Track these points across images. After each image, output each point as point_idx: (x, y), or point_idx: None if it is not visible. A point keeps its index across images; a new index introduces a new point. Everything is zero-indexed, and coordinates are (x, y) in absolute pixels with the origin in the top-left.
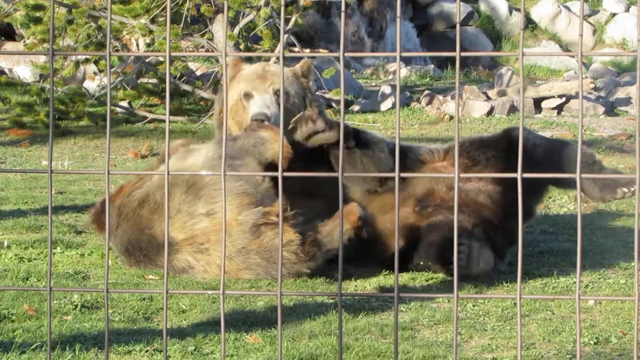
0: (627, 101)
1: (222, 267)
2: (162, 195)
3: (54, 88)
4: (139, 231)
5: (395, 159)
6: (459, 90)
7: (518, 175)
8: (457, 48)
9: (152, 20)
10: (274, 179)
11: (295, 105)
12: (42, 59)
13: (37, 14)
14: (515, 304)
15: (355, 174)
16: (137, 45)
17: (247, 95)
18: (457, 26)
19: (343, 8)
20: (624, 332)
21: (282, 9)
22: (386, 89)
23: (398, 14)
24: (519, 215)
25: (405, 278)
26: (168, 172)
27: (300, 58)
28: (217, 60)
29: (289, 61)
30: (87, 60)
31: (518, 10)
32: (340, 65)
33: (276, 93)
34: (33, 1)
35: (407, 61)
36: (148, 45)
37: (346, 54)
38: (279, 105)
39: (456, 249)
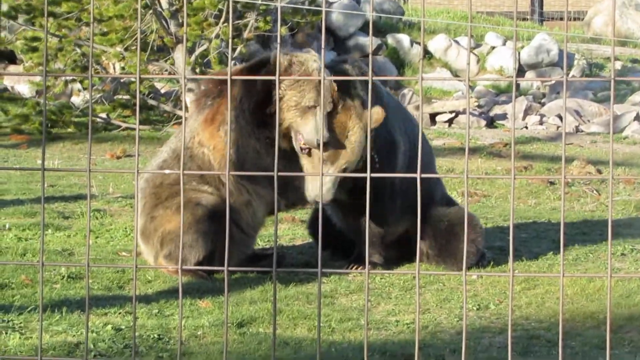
0: (503, 116)
1: (180, 247)
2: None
3: (47, 102)
4: None
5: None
6: (371, 108)
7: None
8: (370, 73)
9: (126, 49)
10: None
11: None
12: (37, 78)
13: (34, 44)
14: (414, 277)
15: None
16: (114, 68)
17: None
18: (370, 56)
19: (279, 40)
20: (500, 300)
21: (230, 41)
22: None
23: (323, 45)
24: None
25: (327, 256)
26: (137, 170)
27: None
28: (178, 81)
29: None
30: (73, 80)
31: (418, 43)
32: (276, 90)
33: None
34: (31, 33)
35: None
36: (122, 68)
37: (280, 77)
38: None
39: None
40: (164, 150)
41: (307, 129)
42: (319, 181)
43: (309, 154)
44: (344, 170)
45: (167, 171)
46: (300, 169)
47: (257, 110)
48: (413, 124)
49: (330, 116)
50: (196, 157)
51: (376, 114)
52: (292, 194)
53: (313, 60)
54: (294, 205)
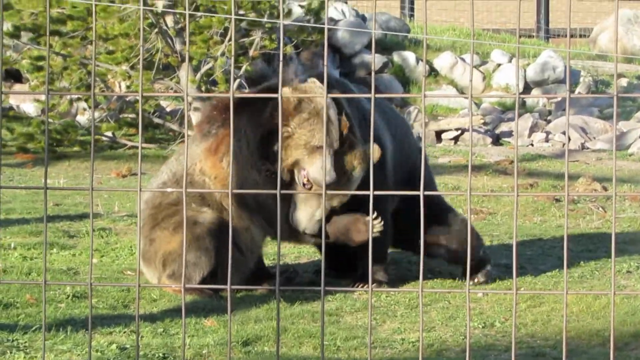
0: (509, 133)
1: (183, 265)
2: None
3: (52, 121)
4: None
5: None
6: (373, 126)
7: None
8: (372, 90)
9: (132, 67)
10: None
11: None
12: (43, 97)
13: (39, 63)
14: (418, 295)
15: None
16: (120, 87)
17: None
18: (372, 73)
19: (281, 58)
20: (505, 318)
21: (232, 59)
22: None
23: (325, 62)
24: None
25: (332, 275)
26: (140, 188)
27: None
28: (183, 100)
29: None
30: (78, 99)
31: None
32: (279, 106)
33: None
34: (36, 52)
35: None
36: (128, 87)
37: (283, 95)
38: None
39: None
40: (163, 171)
41: (314, 168)
42: (306, 212)
43: (310, 189)
44: (333, 207)
45: (169, 189)
46: (294, 205)
47: (261, 143)
48: (395, 124)
49: (336, 154)
50: (197, 184)
51: (377, 151)
52: (282, 229)
53: (320, 93)
54: (283, 240)
